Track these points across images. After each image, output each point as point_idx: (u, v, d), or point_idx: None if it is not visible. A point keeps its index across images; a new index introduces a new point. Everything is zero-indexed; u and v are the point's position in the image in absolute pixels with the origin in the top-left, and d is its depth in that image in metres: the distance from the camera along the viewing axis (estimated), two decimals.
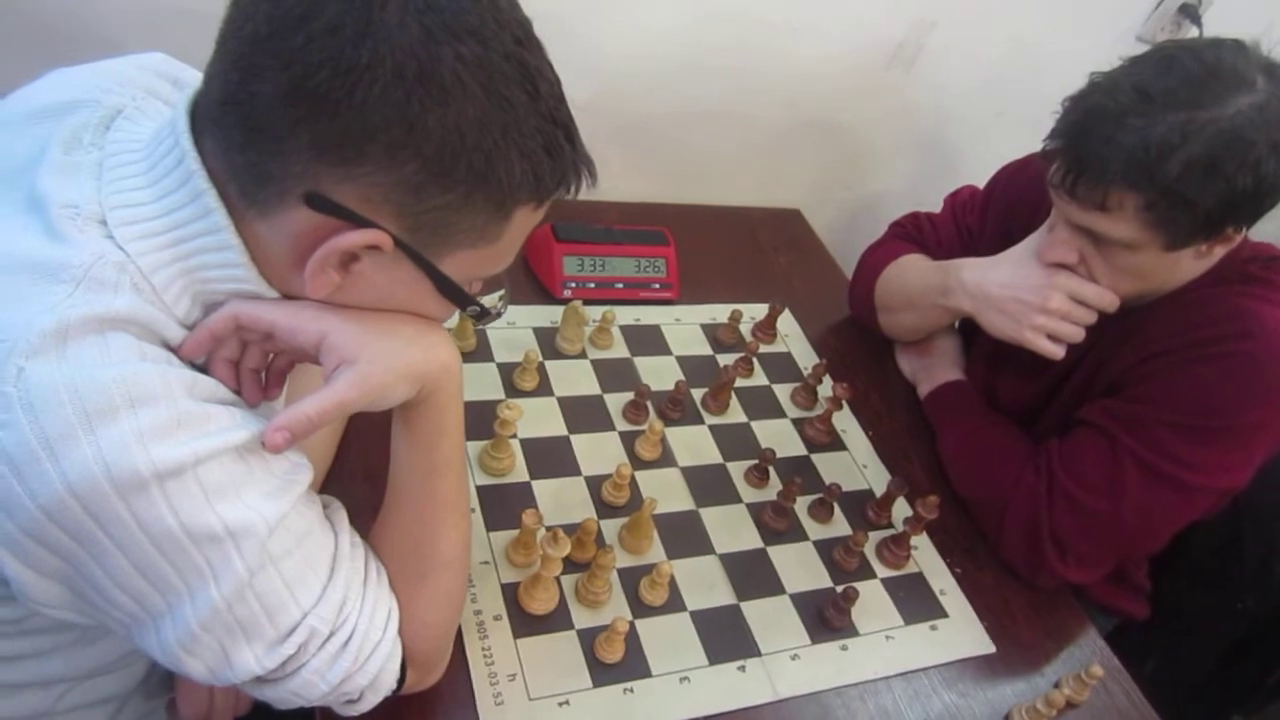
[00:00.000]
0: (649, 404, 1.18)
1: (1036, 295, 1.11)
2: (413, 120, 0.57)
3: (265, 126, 0.58)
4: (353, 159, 0.58)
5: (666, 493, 1.10)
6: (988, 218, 1.33)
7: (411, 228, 0.62)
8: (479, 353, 1.19)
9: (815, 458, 1.22)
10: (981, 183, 1.38)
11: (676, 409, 1.20)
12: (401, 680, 0.76)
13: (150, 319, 0.61)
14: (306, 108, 0.57)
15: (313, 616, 0.67)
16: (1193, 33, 1.60)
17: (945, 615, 1.08)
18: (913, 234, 1.42)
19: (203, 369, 0.66)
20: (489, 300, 0.73)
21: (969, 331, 1.37)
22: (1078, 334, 1.10)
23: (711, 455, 1.17)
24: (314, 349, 0.67)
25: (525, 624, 0.93)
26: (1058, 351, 1.12)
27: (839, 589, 1.02)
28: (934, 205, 1.44)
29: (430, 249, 0.64)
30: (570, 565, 0.98)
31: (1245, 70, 0.95)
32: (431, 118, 0.57)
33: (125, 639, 0.65)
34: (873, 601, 1.07)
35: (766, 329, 1.37)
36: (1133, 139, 0.95)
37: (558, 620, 0.95)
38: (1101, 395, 1.14)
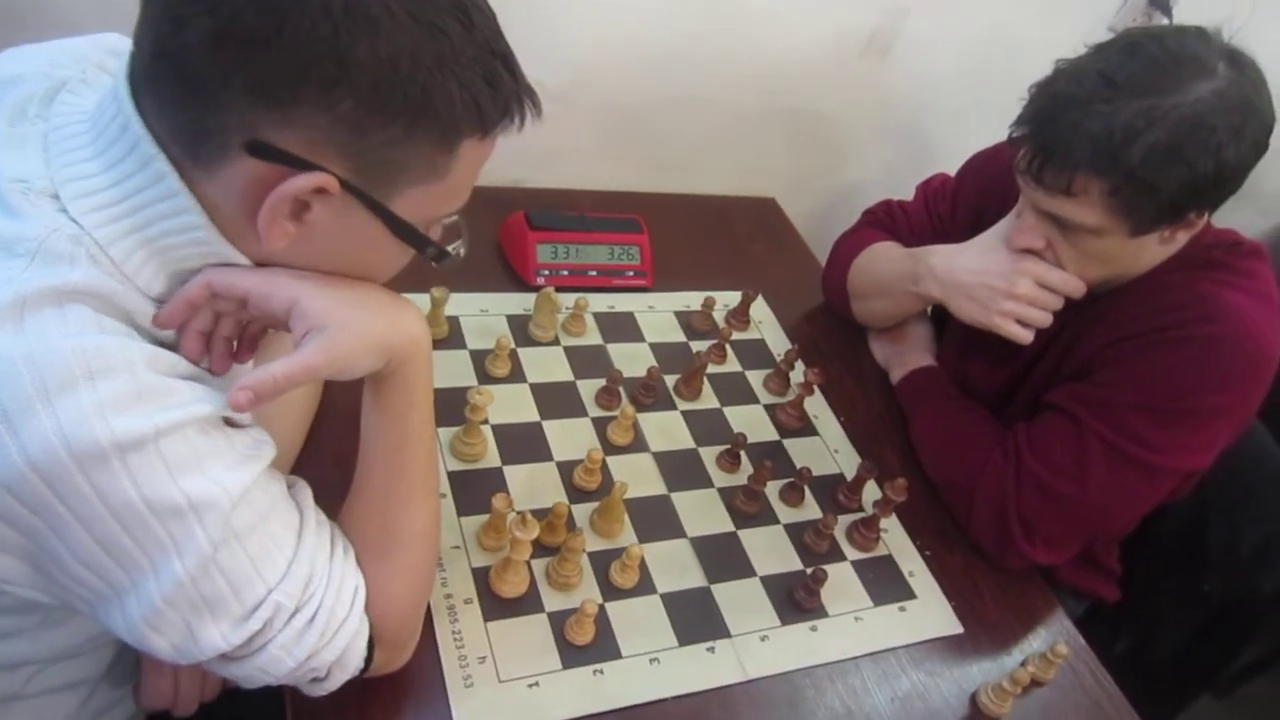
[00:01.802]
0: (621, 390, 1.18)
1: (1004, 281, 1.12)
2: (343, 54, 0.57)
3: (198, 76, 0.58)
4: (288, 101, 0.58)
5: (638, 478, 1.10)
6: (959, 205, 1.35)
7: (357, 168, 0.62)
8: (451, 340, 1.19)
9: (787, 443, 1.23)
10: (957, 171, 1.39)
11: (649, 395, 1.21)
12: (369, 659, 0.76)
13: (110, 291, 0.61)
14: (235, 51, 0.57)
15: (278, 592, 0.67)
16: (1163, 22, 1.62)
17: (914, 596, 1.10)
18: (885, 222, 1.43)
19: (167, 345, 0.66)
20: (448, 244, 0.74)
21: (941, 318, 1.38)
22: (1045, 319, 1.12)
23: (684, 440, 1.18)
24: (285, 315, 0.67)
25: (496, 607, 0.94)
26: (1026, 336, 1.13)
27: (809, 571, 1.03)
28: (910, 194, 1.45)
29: (379, 189, 0.64)
30: (541, 549, 0.98)
31: (1207, 57, 0.96)
32: (361, 50, 0.57)
33: (91, 618, 0.65)
34: (842, 583, 1.08)
35: (740, 316, 1.37)
36: (1097, 125, 0.96)
37: (528, 603, 0.95)
38: (1069, 379, 1.15)
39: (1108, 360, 1.11)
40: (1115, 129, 0.95)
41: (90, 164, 0.62)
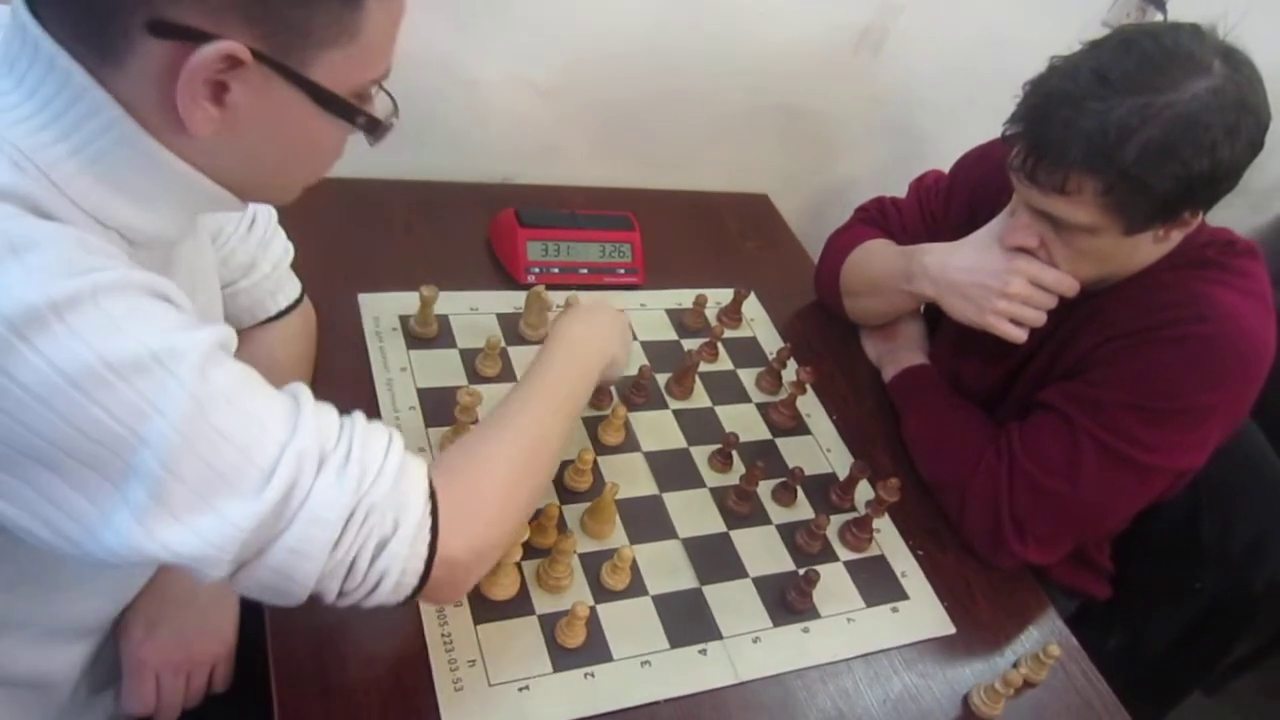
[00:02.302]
0: (613, 389, 1.17)
1: (997, 280, 1.11)
2: None
3: None
4: None
5: (629, 478, 1.09)
6: (952, 202, 1.34)
7: (265, 35, 0.60)
8: (441, 338, 1.18)
9: (780, 442, 1.22)
10: (950, 168, 1.39)
11: (640, 394, 1.20)
12: (429, 563, 0.68)
13: (37, 198, 0.58)
14: None
15: (293, 445, 0.61)
16: (1157, 18, 1.61)
17: (906, 597, 1.09)
18: (877, 219, 1.42)
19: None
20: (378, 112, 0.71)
21: (934, 316, 1.38)
22: (1039, 318, 1.11)
23: (675, 440, 1.17)
24: None
25: (486, 610, 0.93)
26: (1020, 335, 1.12)
27: (801, 572, 1.03)
28: (903, 190, 1.44)
29: (292, 56, 0.61)
30: (531, 551, 0.97)
31: (1202, 54, 0.96)
32: None
33: (93, 542, 0.58)
34: (834, 584, 1.07)
35: (732, 314, 1.37)
36: (1091, 123, 0.95)
37: (518, 606, 0.95)
38: (1061, 378, 1.15)
39: (1100, 359, 1.10)
40: (1109, 127, 0.94)
41: (3, 82, 0.60)
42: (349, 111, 0.66)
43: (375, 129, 0.70)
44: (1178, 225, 1.03)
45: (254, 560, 0.62)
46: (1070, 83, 0.98)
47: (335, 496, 0.63)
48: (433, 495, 0.69)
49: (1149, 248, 1.07)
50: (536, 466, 0.80)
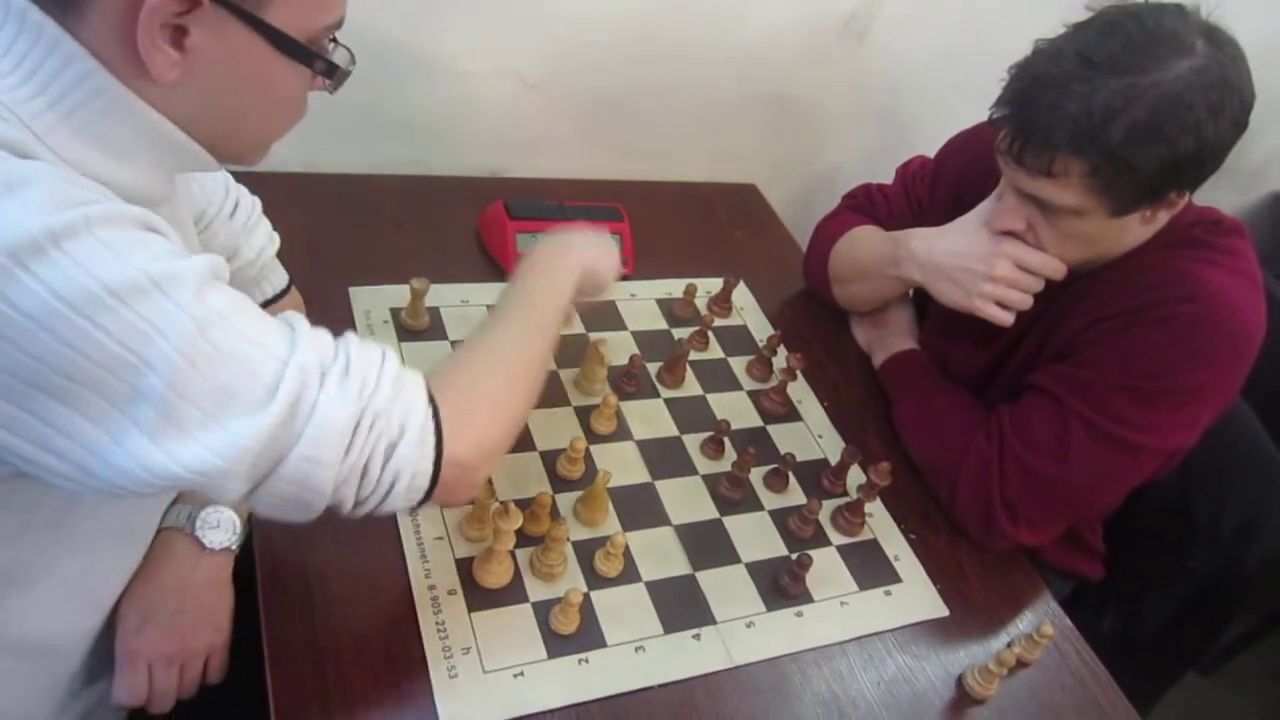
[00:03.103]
0: (605, 381, 1.18)
1: (983, 264, 1.12)
2: None
3: None
4: None
5: (622, 466, 1.10)
6: (937, 187, 1.34)
7: None
8: (432, 330, 1.19)
9: (771, 429, 1.23)
10: (935, 154, 1.39)
11: (632, 383, 1.20)
12: (438, 464, 0.71)
13: (24, 145, 0.60)
14: None
15: (294, 361, 0.63)
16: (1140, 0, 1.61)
17: (899, 580, 1.10)
18: (865, 205, 1.42)
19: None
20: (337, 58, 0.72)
21: (923, 301, 1.38)
22: (1025, 301, 1.12)
23: (667, 428, 1.18)
24: None
25: (480, 598, 0.93)
26: (1007, 318, 1.13)
27: (794, 556, 1.03)
28: (890, 177, 1.45)
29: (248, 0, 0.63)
30: (525, 539, 0.98)
31: (1185, 34, 0.96)
32: None
33: (97, 474, 0.60)
34: (828, 568, 1.08)
35: (722, 303, 1.37)
36: (1076, 105, 0.95)
37: (512, 593, 0.95)
38: (1050, 360, 1.15)
39: (1089, 341, 1.11)
40: (1094, 109, 0.95)
41: None
42: (305, 54, 0.68)
43: (333, 73, 0.71)
44: (1164, 206, 1.04)
45: (270, 474, 0.64)
46: (1055, 65, 0.98)
47: (340, 406, 0.65)
48: (432, 401, 0.71)
49: (1136, 229, 1.07)
50: (525, 369, 0.84)
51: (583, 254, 0.96)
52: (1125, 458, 1.09)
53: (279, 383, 0.62)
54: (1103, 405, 1.07)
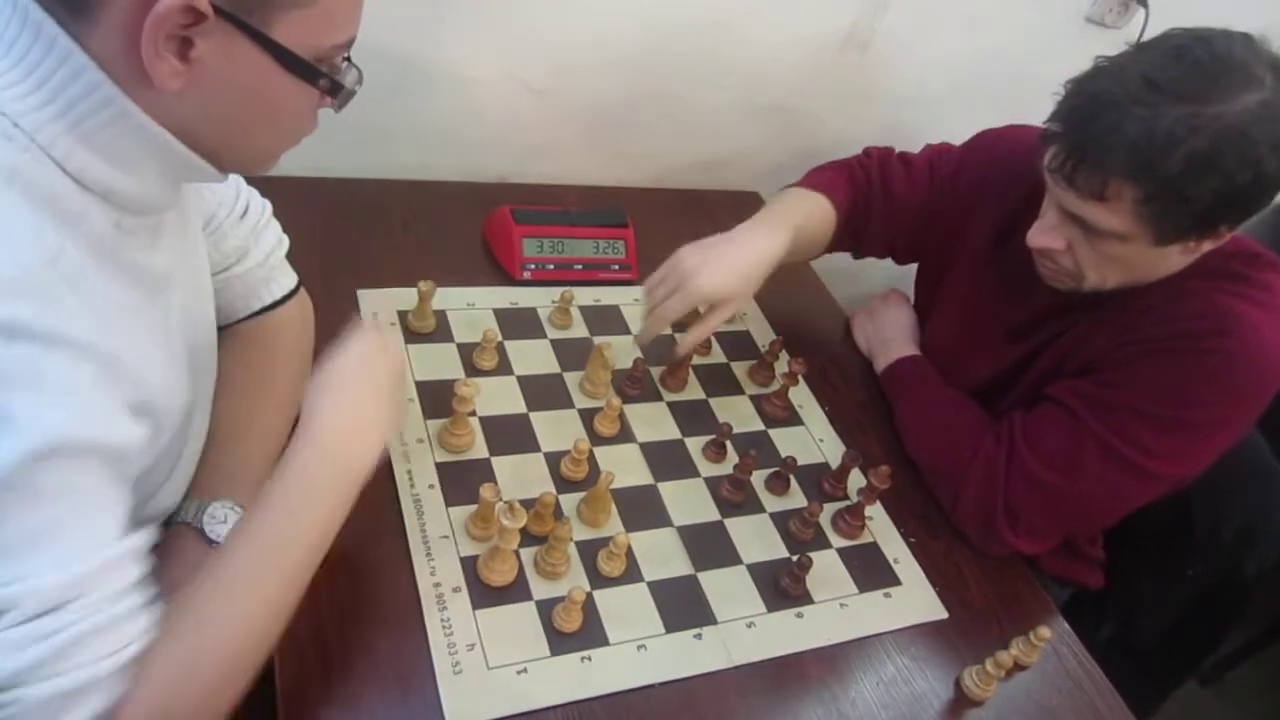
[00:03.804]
0: (609, 384, 1.19)
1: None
2: None
3: None
4: None
5: (625, 468, 1.11)
6: (960, 175, 1.31)
7: None
8: (438, 333, 1.20)
9: (773, 433, 1.24)
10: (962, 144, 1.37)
11: (635, 386, 1.21)
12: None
13: (24, 166, 0.61)
14: None
15: (30, 583, 0.58)
16: (1138, 15, 1.62)
17: (899, 583, 1.11)
18: (867, 170, 1.38)
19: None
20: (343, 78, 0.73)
21: (923, 307, 1.40)
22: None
23: (670, 431, 1.19)
24: None
25: (484, 596, 0.95)
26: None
27: (794, 558, 1.04)
28: None
29: (255, 14, 0.64)
30: (529, 538, 0.99)
31: (1255, 66, 0.93)
32: None
33: None
34: (828, 571, 1.09)
35: None
36: (1137, 129, 0.92)
37: (516, 592, 0.96)
38: (1072, 375, 1.14)
39: (1115, 361, 1.09)
40: (1156, 135, 0.91)
41: None
42: (309, 72, 0.69)
43: (337, 92, 0.72)
44: (1211, 238, 1.01)
45: None
46: (1117, 86, 0.94)
47: (10, 653, 0.58)
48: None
49: (1176, 258, 1.04)
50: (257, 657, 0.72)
51: (376, 424, 0.83)
52: (1134, 480, 1.09)
53: None
54: (1121, 427, 1.07)
